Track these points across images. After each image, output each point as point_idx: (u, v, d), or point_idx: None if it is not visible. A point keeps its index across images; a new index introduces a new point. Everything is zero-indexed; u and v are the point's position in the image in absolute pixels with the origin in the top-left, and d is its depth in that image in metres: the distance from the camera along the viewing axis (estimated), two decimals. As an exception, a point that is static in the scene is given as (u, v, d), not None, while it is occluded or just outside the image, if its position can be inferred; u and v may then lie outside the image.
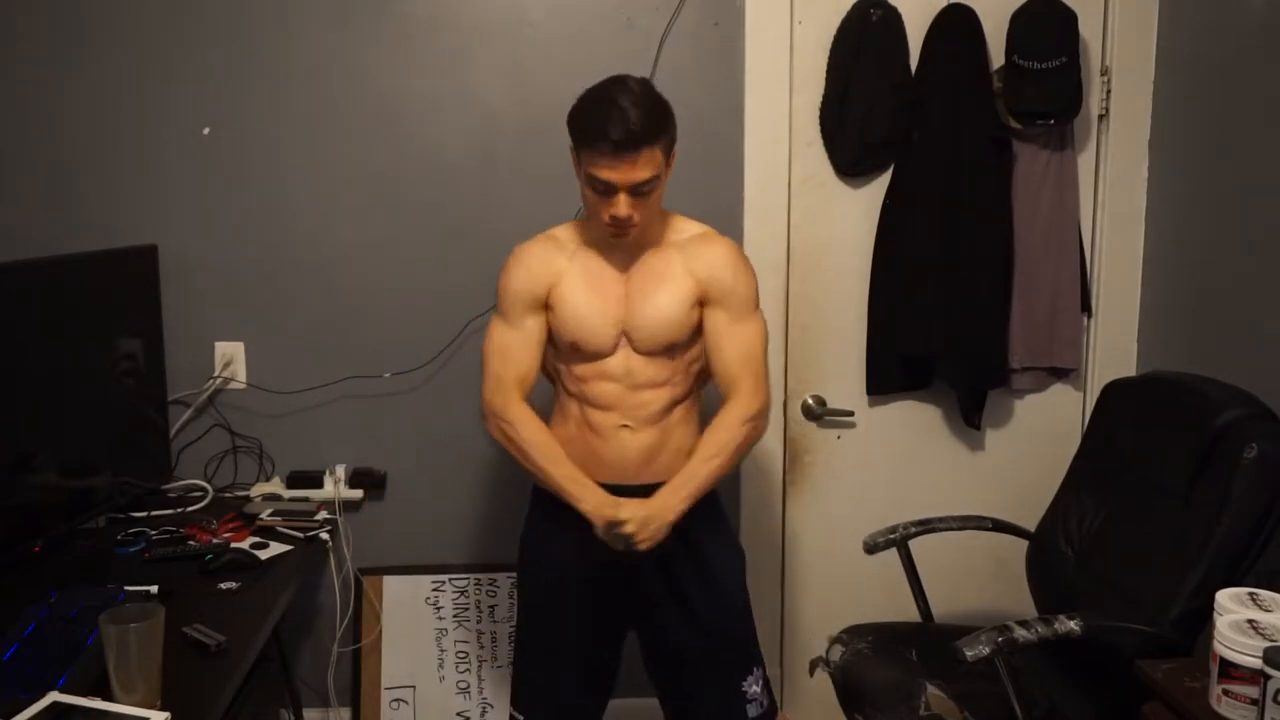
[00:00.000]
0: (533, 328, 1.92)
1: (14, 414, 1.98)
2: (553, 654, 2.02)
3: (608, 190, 1.79)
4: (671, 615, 1.99)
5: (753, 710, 2.03)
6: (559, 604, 2.00)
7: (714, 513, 2.03)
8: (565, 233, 1.98)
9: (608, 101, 1.78)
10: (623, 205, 1.79)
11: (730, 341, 1.91)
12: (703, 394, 2.04)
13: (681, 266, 1.92)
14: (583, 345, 1.90)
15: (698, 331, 1.93)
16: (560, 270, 1.91)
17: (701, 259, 1.93)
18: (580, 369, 1.92)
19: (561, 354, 1.95)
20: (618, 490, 1.87)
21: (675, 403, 1.95)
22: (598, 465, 1.92)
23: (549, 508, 1.95)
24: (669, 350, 1.91)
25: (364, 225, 2.52)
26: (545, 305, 1.92)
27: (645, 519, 1.79)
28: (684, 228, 1.97)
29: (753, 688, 2.03)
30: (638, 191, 1.79)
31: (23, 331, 2.01)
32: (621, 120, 1.74)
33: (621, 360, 1.91)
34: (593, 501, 1.84)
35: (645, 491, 1.87)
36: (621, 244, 1.90)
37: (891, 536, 2.26)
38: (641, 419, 1.92)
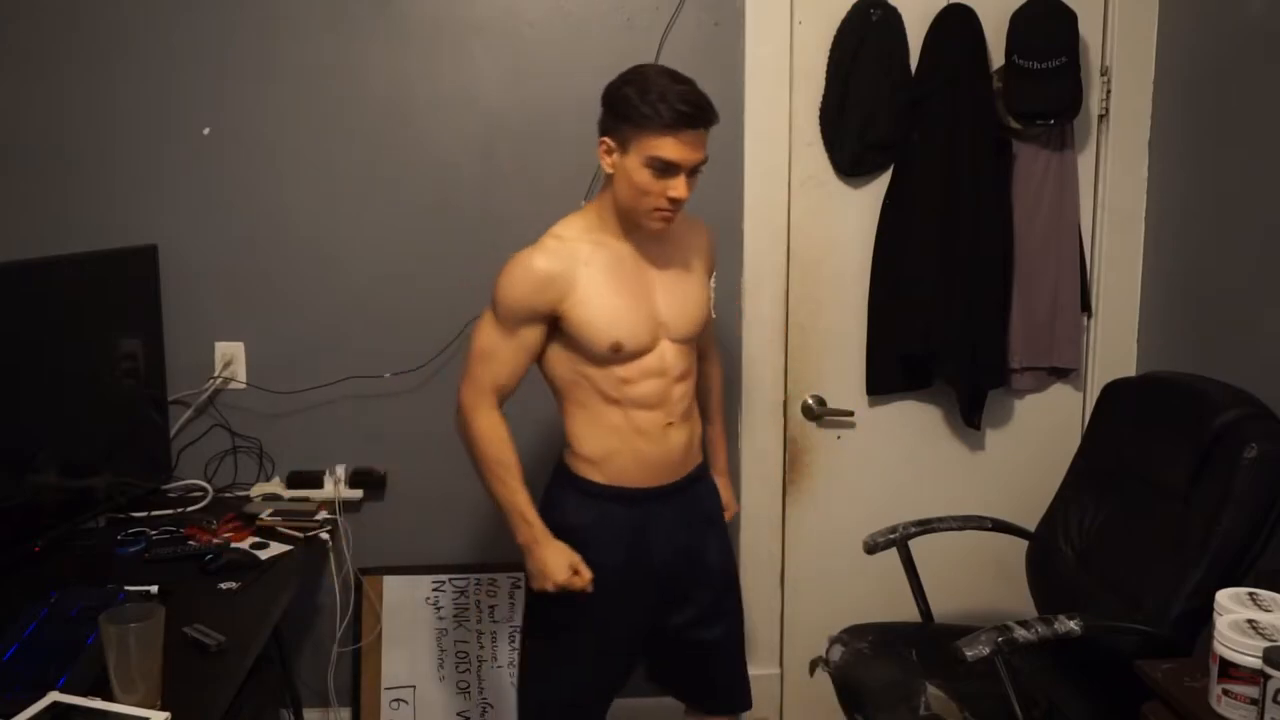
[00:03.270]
0: (527, 338, 1.86)
1: (14, 414, 1.98)
2: (582, 650, 1.96)
3: (668, 171, 1.76)
4: (696, 605, 2.02)
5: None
6: (603, 600, 1.90)
7: (714, 492, 2.11)
8: (572, 230, 1.89)
9: (666, 81, 1.75)
10: (683, 186, 1.78)
11: (710, 309, 2.04)
12: None
13: (692, 251, 1.97)
14: (627, 344, 1.84)
15: None
16: (577, 277, 1.83)
17: (702, 240, 2.02)
18: (623, 370, 1.86)
19: (598, 360, 1.86)
20: (661, 489, 1.92)
21: (692, 390, 1.98)
22: (643, 470, 1.91)
23: (590, 498, 1.92)
24: (695, 336, 1.95)
25: (364, 225, 2.52)
26: (551, 317, 1.85)
27: (733, 512, 2.16)
28: None
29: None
30: (694, 172, 1.80)
31: (23, 331, 2.01)
32: (689, 98, 1.73)
33: (660, 354, 1.89)
34: (555, 549, 1.85)
35: (680, 486, 1.96)
36: (645, 233, 1.87)
37: (891, 536, 2.26)
38: (679, 414, 1.93)
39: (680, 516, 1.97)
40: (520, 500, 1.87)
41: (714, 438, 2.18)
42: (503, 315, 1.86)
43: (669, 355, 1.90)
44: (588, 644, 1.96)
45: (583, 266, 1.84)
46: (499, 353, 1.87)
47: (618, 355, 1.85)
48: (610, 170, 1.82)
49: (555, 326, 1.86)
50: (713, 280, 2.09)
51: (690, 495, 2.00)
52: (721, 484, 2.14)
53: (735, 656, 2.12)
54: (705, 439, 2.10)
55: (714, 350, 2.18)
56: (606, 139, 1.81)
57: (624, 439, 1.89)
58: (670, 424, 1.91)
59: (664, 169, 1.76)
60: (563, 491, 1.95)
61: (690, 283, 1.95)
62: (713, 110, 1.78)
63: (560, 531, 1.90)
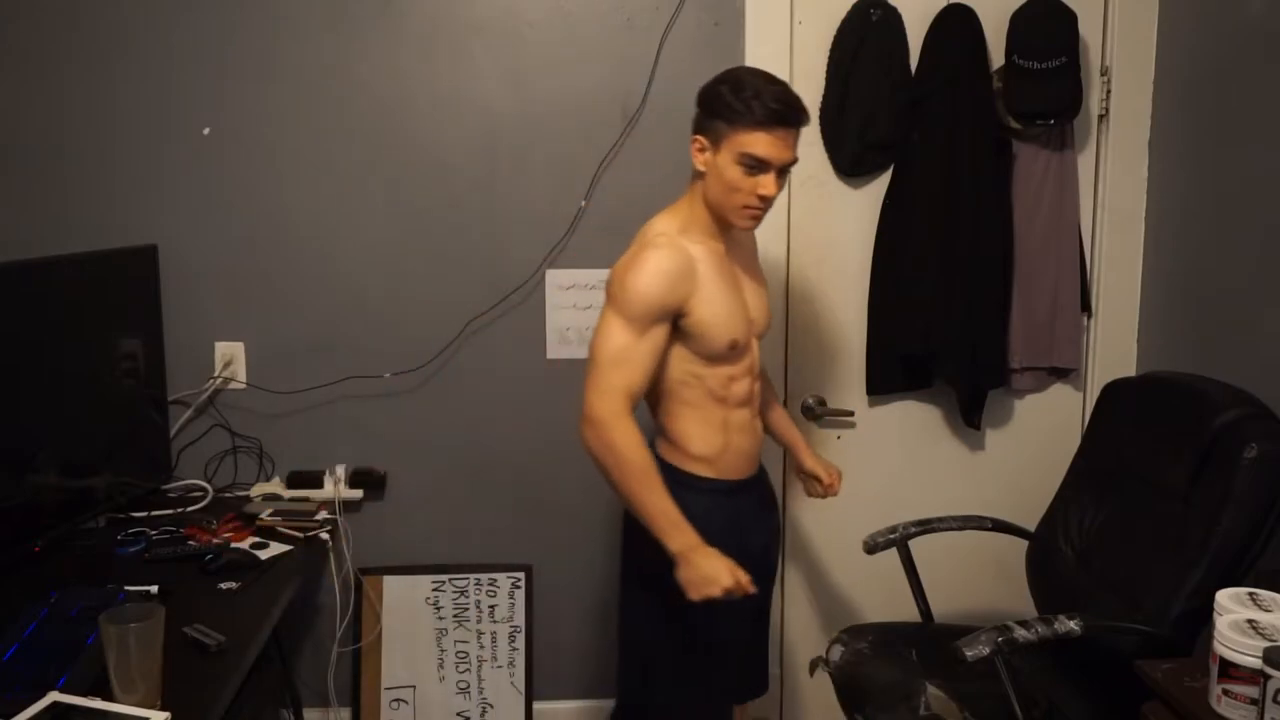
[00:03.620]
0: (658, 338, 1.83)
1: (14, 414, 1.98)
2: (719, 658, 1.96)
3: (759, 168, 1.80)
4: (769, 594, 2.12)
5: None
6: (731, 603, 1.89)
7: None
8: (670, 228, 1.88)
9: (755, 84, 1.79)
10: (773, 183, 1.82)
11: None
12: None
13: (751, 251, 2.05)
14: (739, 342, 1.90)
15: None
16: (698, 274, 1.84)
17: (753, 242, 2.07)
18: (730, 369, 1.91)
19: (715, 358, 1.88)
20: (750, 480, 2.00)
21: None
22: (742, 462, 1.98)
23: (700, 494, 1.91)
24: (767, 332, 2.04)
25: (364, 225, 2.52)
26: (677, 315, 1.84)
27: (838, 472, 2.21)
28: None
29: None
30: (783, 172, 1.84)
31: (23, 331, 2.01)
32: (781, 97, 1.78)
33: (751, 351, 1.96)
34: (714, 554, 1.76)
35: (760, 475, 2.06)
36: (728, 233, 1.92)
37: (891, 536, 2.26)
38: (757, 407, 2.01)
39: (761, 503, 2.07)
40: (672, 506, 1.79)
41: (785, 420, 2.26)
42: (636, 315, 1.81)
43: (754, 350, 1.98)
44: (723, 640, 1.96)
45: (699, 264, 1.86)
46: (633, 356, 1.82)
47: (733, 353, 1.89)
48: (702, 168, 1.86)
49: (675, 326, 1.86)
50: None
51: (766, 484, 2.11)
52: (813, 454, 2.23)
53: (766, 642, 2.20)
54: (778, 424, 2.23)
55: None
56: (699, 137, 1.85)
57: (729, 435, 1.94)
58: (755, 417, 2.01)
59: (755, 166, 1.80)
60: (671, 489, 1.84)
61: (760, 281, 2.03)
62: (804, 110, 1.83)
63: (698, 501, 1.88)
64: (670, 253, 1.83)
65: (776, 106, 1.77)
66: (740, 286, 1.94)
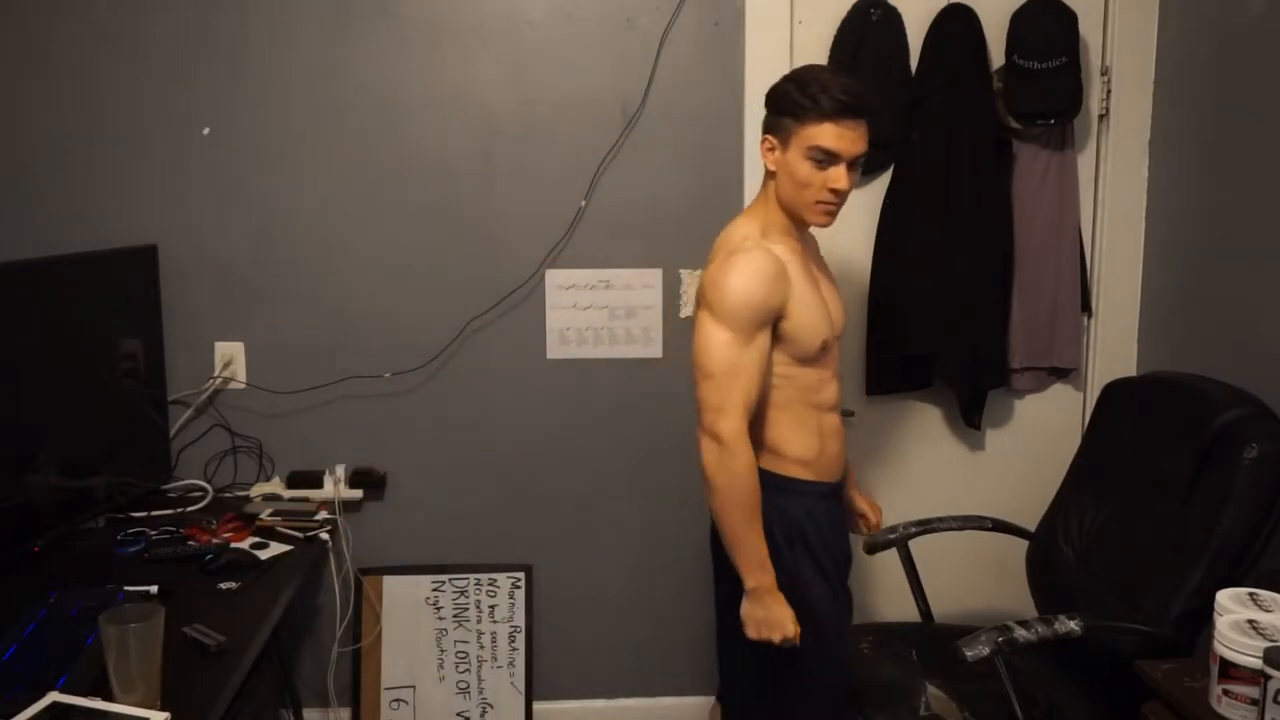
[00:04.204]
0: (763, 344, 1.79)
1: (14, 414, 1.98)
2: (840, 661, 1.96)
3: (830, 160, 1.78)
4: None
5: None
6: (838, 600, 1.94)
7: None
8: (753, 230, 1.87)
9: (823, 79, 1.77)
10: (844, 176, 1.80)
11: None
12: None
13: (816, 248, 2.02)
14: (830, 343, 1.88)
15: None
16: (788, 276, 1.81)
17: (815, 239, 2.04)
18: (820, 371, 1.89)
19: (808, 359, 1.86)
20: (839, 484, 1.99)
21: None
22: (837, 467, 1.96)
23: (806, 497, 1.90)
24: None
25: (364, 225, 2.52)
26: (778, 318, 1.81)
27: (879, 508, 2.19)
28: None
29: None
30: (854, 165, 1.81)
31: (23, 331, 2.00)
32: (848, 89, 1.76)
33: (835, 352, 1.94)
34: (783, 601, 1.77)
35: (844, 482, 2.04)
36: (804, 234, 1.92)
37: (891, 536, 2.27)
38: (840, 410, 1.98)
39: (842, 507, 2.05)
40: (764, 547, 1.79)
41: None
42: (742, 324, 1.76)
43: (834, 351, 1.94)
44: (839, 648, 1.95)
45: (787, 265, 1.84)
46: (745, 367, 1.77)
47: (824, 354, 1.88)
48: (773, 168, 1.85)
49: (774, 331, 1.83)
50: None
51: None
52: (862, 494, 2.20)
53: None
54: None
55: None
56: (769, 136, 1.85)
57: (823, 438, 1.92)
58: (840, 420, 1.98)
59: (824, 158, 1.78)
60: (771, 497, 1.83)
61: (832, 280, 2.01)
62: (873, 102, 1.81)
63: (784, 535, 1.85)
64: (763, 254, 1.80)
65: (844, 98, 1.75)
66: (821, 286, 1.92)
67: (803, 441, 1.89)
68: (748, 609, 1.78)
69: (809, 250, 1.96)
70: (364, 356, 2.55)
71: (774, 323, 1.80)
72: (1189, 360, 2.32)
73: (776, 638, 1.77)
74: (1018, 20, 2.43)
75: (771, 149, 1.85)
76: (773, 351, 1.82)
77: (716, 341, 1.76)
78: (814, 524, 1.89)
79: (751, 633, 1.78)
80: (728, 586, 1.89)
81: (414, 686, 2.63)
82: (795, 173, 1.81)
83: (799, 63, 2.50)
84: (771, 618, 1.77)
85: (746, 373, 1.76)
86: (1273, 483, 1.82)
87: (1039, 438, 2.67)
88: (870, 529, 2.18)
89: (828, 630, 1.89)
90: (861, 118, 1.79)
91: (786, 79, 1.84)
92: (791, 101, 1.79)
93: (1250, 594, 1.54)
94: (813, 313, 1.84)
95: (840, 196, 1.82)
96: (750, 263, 1.78)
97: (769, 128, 1.85)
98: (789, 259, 1.84)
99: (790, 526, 1.86)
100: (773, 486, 1.83)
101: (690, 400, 1.82)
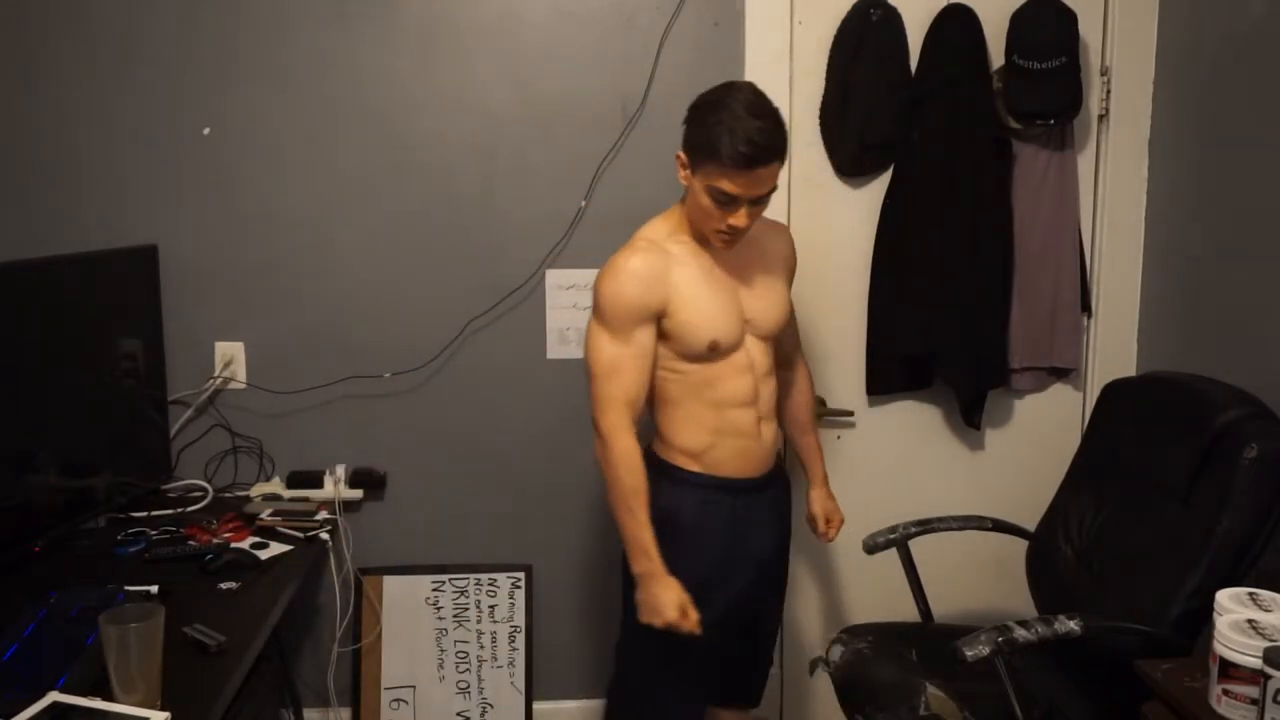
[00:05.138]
0: (644, 342, 1.85)
1: (14, 414, 1.98)
2: (700, 650, 1.95)
3: (730, 202, 1.78)
4: (775, 600, 2.11)
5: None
6: (710, 590, 1.92)
7: (789, 486, 2.15)
8: (658, 233, 1.91)
9: (734, 115, 1.74)
10: (744, 216, 1.80)
11: (793, 317, 2.11)
12: None
13: (773, 252, 2.02)
14: (722, 342, 1.88)
15: None
16: (674, 276, 1.85)
17: (783, 243, 2.06)
18: (716, 368, 1.90)
19: (695, 357, 1.88)
20: (756, 481, 1.97)
21: (776, 387, 2.02)
22: (745, 462, 1.96)
23: (689, 487, 1.94)
24: (777, 333, 2.00)
25: (364, 225, 2.52)
26: (659, 316, 1.85)
27: (839, 520, 2.17)
28: None
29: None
30: (757, 202, 1.81)
31: (23, 331, 2.01)
32: (752, 137, 1.72)
33: (748, 351, 1.93)
34: (669, 587, 1.81)
35: (771, 477, 2.02)
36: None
37: (891, 536, 2.26)
38: (768, 410, 1.98)
39: (773, 508, 2.04)
40: (646, 534, 1.83)
41: (811, 446, 2.23)
42: (617, 322, 1.83)
43: (755, 352, 1.95)
44: (700, 638, 1.93)
45: (677, 266, 1.87)
46: (621, 364, 1.84)
47: (715, 353, 1.88)
48: (684, 183, 1.85)
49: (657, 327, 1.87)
50: (792, 288, 2.11)
51: (779, 488, 2.08)
52: (824, 494, 2.21)
53: (769, 651, 2.20)
54: (802, 449, 2.20)
55: (801, 358, 2.22)
56: (681, 154, 1.84)
57: (721, 437, 1.92)
58: (761, 419, 1.96)
59: (726, 201, 1.78)
60: (660, 481, 1.91)
61: (771, 281, 1.99)
62: (779, 150, 1.78)
63: (659, 520, 1.88)
64: (641, 255, 1.85)
65: (745, 150, 1.72)
66: (735, 287, 1.92)
67: (690, 435, 1.93)
68: (637, 594, 1.85)
69: (745, 250, 1.92)
70: (364, 356, 2.55)
71: (660, 319, 1.85)
72: (1189, 360, 2.32)
73: (658, 622, 1.81)
74: (1018, 20, 2.43)
75: (683, 166, 1.84)
76: (660, 346, 1.87)
77: (597, 342, 1.85)
78: (693, 514, 1.93)
79: (641, 617, 1.84)
80: (627, 584, 1.94)
81: (414, 686, 2.63)
82: (699, 200, 1.82)
83: (799, 63, 2.52)
84: (653, 602, 1.82)
85: (624, 369, 1.83)
86: (1273, 483, 1.82)
87: (1039, 438, 2.67)
88: (820, 536, 2.20)
89: (693, 641, 1.90)
90: (768, 165, 1.76)
91: (704, 105, 1.80)
92: (700, 134, 1.77)
93: (1250, 594, 1.54)
94: (700, 312, 1.85)
95: (737, 232, 1.82)
96: (624, 264, 1.84)
97: (684, 144, 1.83)
98: (685, 259, 1.87)
99: (663, 512, 1.90)
100: (657, 470, 1.91)
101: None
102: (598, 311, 1.85)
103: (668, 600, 1.81)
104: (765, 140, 1.74)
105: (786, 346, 2.14)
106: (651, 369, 1.88)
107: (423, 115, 2.49)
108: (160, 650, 1.49)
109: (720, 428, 1.92)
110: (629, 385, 1.84)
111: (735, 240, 1.86)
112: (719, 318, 1.88)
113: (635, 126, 2.50)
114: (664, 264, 1.85)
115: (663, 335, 1.87)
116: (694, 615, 1.81)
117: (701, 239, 1.90)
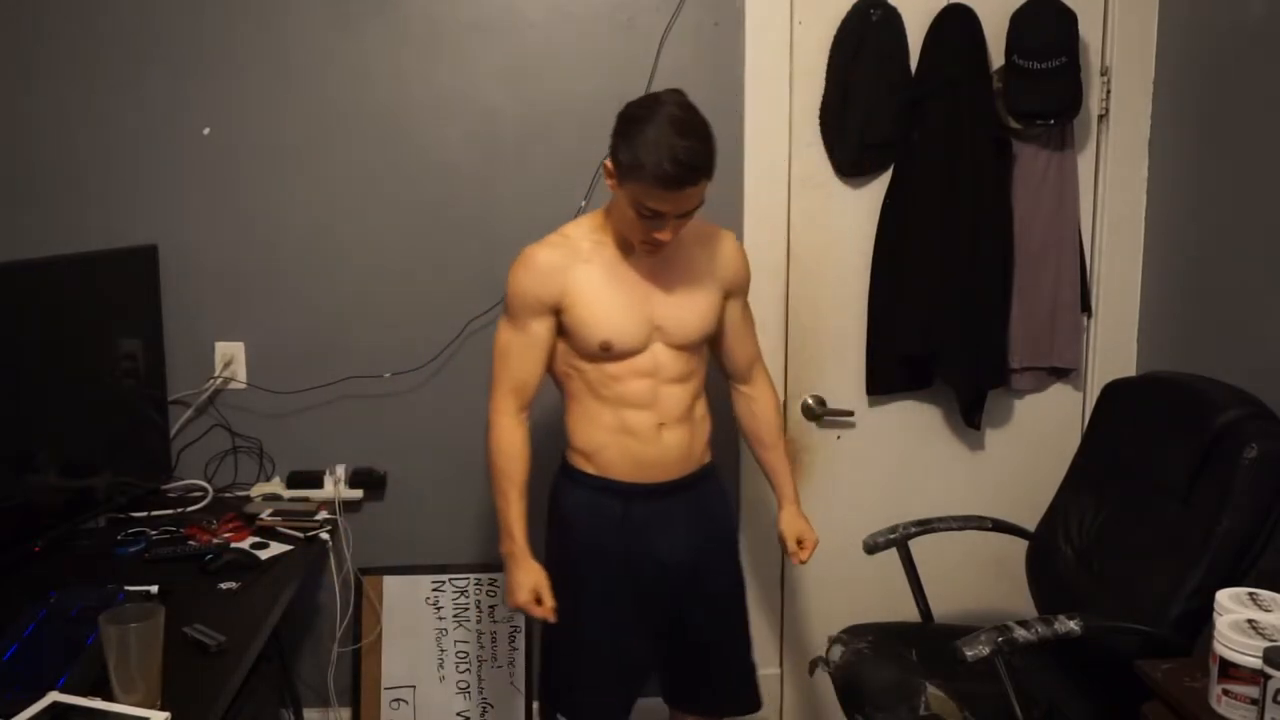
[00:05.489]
0: (538, 332, 1.89)
1: (14, 414, 1.98)
2: (602, 649, 1.97)
3: (656, 218, 1.77)
4: (699, 609, 2.03)
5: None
6: (612, 598, 1.95)
7: (724, 494, 2.12)
8: (579, 230, 1.93)
9: (660, 134, 1.70)
10: (668, 231, 1.80)
11: (746, 330, 2.07)
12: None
13: (705, 262, 1.97)
14: (616, 344, 1.86)
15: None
16: (575, 273, 1.86)
17: (722, 254, 2.00)
18: (613, 368, 1.89)
19: (588, 355, 1.89)
20: (658, 487, 1.94)
21: (696, 396, 1.99)
22: (638, 467, 1.93)
23: (582, 488, 1.96)
24: (698, 344, 1.96)
25: (364, 225, 2.52)
26: (556, 310, 1.87)
27: (812, 541, 2.07)
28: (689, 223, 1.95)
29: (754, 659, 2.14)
30: (684, 215, 1.80)
31: (23, 331, 2.01)
32: (677, 158, 1.69)
33: (652, 356, 1.91)
34: (528, 571, 1.89)
35: (681, 484, 1.97)
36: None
37: (891, 536, 2.26)
38: (675, 416, 1.94)
39: (687, 514, 1.99)
40: (511, 514, 1.90)
41: (774, 464, 2.13)
42: (514, 310, 1.90)
43: (662, 358, 1.91)
44: (597, 636, 1.96)
45: (583, 264, 1.87)
46: (512, 350, 1.91)
47: (608, 353, 1.88)
48: (611, 190, 1.84)
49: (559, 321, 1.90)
50: (738, 300, 2.04)
51: (696, 494, 2.01)
52: (793, 513, 2.10)
53: (741, 656, 2.12)
54: (766, 467, 2.15)
55: (762, 375, 2.13)
56: (608, 164, 1.82)
57: (613, 435, 1.92)
58: (663, 424, 1.93)
59: (650, 215, 1.77)
60: (560, 481, 2.02)
61: (694, 291, 1.93)
62: (706, 169, 1.74)
63: (557, 519, 2.00)
64: (543, 249, 1.89)
65: (670, 170, 1.68)
66: (648, 291, 1.89)
67: (585, 433, 1.94)
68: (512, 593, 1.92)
69: (674, 255, 1.89)
70: (364, 356, 2.55)
71: (557, 313, 1.88)
72: (1189, 360, 2.32)
73: (511, 604, 1.91)
74: (1017, 20, 2.43)
75: (609, 175, 1.82)
76: (561, 341, 1.92)
77: (499, 326, 1.94)
78: (580, 514, 1.96)
79: (506, 599, 1.94)
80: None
81: (414, 686, 2.63)
82: (624, 210, 1.81)
83: (799, 63, 2.52)
84: (510, 583, 1.91)
85: (513, 356, 1.91)
86: (1273, 483, 1.82)
87: (1039, 438, 2.68)
88: (790, 557, 2.10)
89: (581, 633, 1.95)
90: (695, 184, 1.73)
91: (629, 118, 1.76)
92: (627, 147, 1.73)
93: (1250, 594, 1.54)
94: (595, 312, 1.86)
95: (662, 244, 1.82)
96: (529, 255, 1.89)
97: (610, 154, 1.80)
98: (592, 258, 1.88)
99: (558, 509, 1.99)
100: (560, 469, 2.01)
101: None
102: (505, 300, 1.91)
103: (521, 583, 1.88)
104: (691, 160, 1.70)
105: (739, 360, 2.08)
106: (545, 360, 1.92)
107: (423, 115, 2.49)
108: (160, 650, 1.49)
109: (615, 427, 1.91)
110: (515, 371, 1.91)
111: (658, 251, 1.86)
112: (615, 319, 1.86)
113: (635, 126, 2.49)
114: (567, 260, 1.87)
115: (562, 331, 1.90)
116: (549, 602, 1.88)
117: (625, 244, 1.90)
